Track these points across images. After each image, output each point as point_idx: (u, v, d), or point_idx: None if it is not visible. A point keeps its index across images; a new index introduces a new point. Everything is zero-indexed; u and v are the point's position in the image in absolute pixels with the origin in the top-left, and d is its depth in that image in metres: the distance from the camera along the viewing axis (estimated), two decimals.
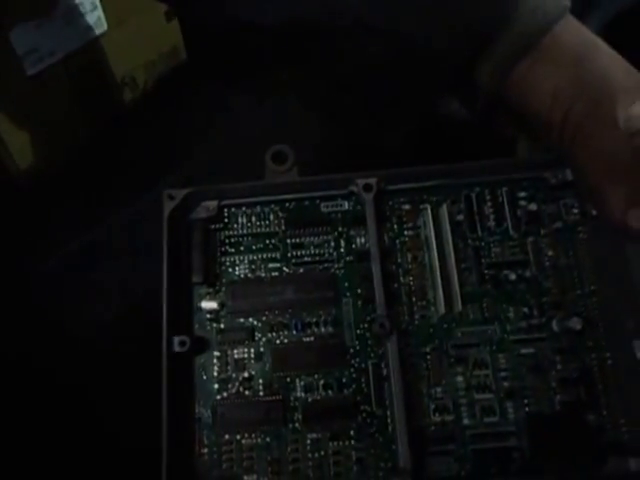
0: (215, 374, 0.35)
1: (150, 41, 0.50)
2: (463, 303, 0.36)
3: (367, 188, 0.37)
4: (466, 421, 0.34)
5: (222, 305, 0.36)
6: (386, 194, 0.37)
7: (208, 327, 0.36)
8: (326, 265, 0.37)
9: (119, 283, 0.42)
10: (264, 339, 0.36)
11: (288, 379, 0.35)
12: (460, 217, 0.37)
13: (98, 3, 0.47)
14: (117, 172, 0.46)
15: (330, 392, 0.35)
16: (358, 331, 0.36)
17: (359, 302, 0.36)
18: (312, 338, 0.36)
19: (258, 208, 0.38)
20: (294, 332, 0.36)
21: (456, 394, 0.35)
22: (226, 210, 0.38)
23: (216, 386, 0.35)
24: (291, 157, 0.38)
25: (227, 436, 0.34)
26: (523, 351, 0.35)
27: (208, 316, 0.36)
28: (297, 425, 0.34)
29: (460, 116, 0.40)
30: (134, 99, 0.50)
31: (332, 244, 0.37)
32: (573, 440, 0.34)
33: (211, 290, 0.37)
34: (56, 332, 0.41)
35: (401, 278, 0.36)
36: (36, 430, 0.41)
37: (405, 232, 0.37)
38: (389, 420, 0.34)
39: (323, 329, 0.36)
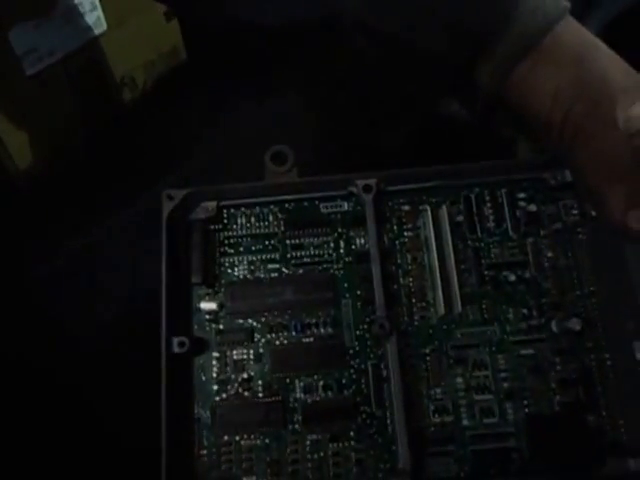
0: (214, 375, 0.35)
1: (150, 41, 0.50)
2: (463, 304, 0.36)
3: (367, 189, 0.37)
4: (465, 422, 0.34)
5: (221, 306, 0.36)
6: (386, 195, 0.37)
7: (207, 328, 0.36)
8: (325, 266, 0.37)
9: (118, 283, 0.42)
10: (263, 340, 0.36)
11: (287, 380, 0.35)
12: (459, 218, 0.37)
13: (97, 3, 0.47)
14: (116, 172, 0.46)
15: (330, 393, 0.35)
16: (357, 332, 0.36)
17: (358, 303, 0.36)
18: (311, 339, 0.36)
19: (257, 209, 0.38)
20: (293, 333, 0.36)
21: (455, 395, 0.35)
22: (225, 211, 0.38)
23: (215, 387, 0.35)
24: (291, 158, 0.38)
25: (226, 437, 0.34)
26: (522, 352, 0.35)
27: (207, 317, 0.36)
28: (297, 426, 0.34)
29: (460, 117, 0.40)
30: (133, 99, 0.50)
31: (331, 245, 0.37)
32: (572, 441, 0.34)
33: (210, 291, 0.37)
34: (55, 332, 0.41)
35: (401, 279, 0.36)
36: (35, 430, 0.41)
37: (405, 233, 0.37)
38: (389, 421, 0.34)
39: (322, 330, 0.36)
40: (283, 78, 0.44)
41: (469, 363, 0.35)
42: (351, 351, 0.35)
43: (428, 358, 0.35)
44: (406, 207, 0.37)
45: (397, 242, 0.37)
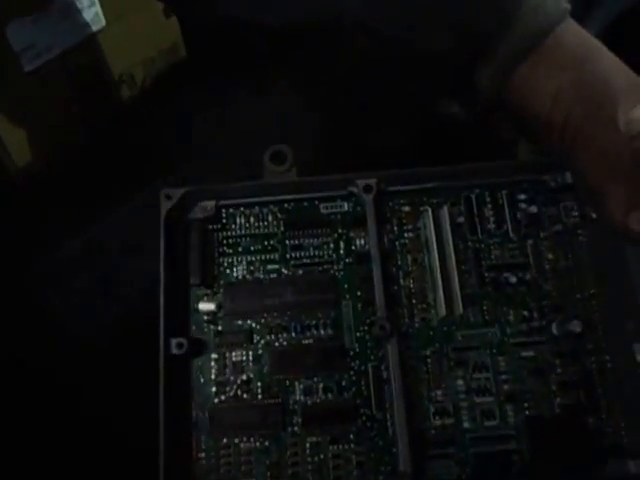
0: (213, 377, 0.35)
1: (149, 38, 0.49)
2: (463, 306, 0.35)
3: (367, 189, 0.36)
4: (466, 424, 0.34)
5: (220, 307, 0.36)
6: (386, 195, 0.37)
7: (205, 329, 0.36)
8: (325, 267, 0.37)
9: (117, 283, 0.42)
10: (262, 341, 0.35)
11: (287, 382, 0.35)
12: (460, 219, 0.37)
13: None
14: (115, 171, 0.46)
15: (330, 395, 0.35)
16: (358, 334, 0.35)
17: (359, 304, 0.36)
18: (311, 340, 0.35)
19: (256, 209, 0.38)
20: (293, 334, 0.35)
21: (456, 397, 0.34)
22: (224, 210, 0.37)
23: (214, 389, 0.35)
24: (290, 157, 0.37)
25: (225, 440, 0.34)
26: (523, 354, 0.35)
27: (205, 318, 0.36)
28: (296, 429, 0.34)
29: (460, 117, 0.39)
30: (132, 97, 0.49)
31: (331, 246, 0.37)
32: (573, 443, 0.34)
33: (209, 292, 0.36)
34: (54, 332, 0.40)
35: (401, 280, 0.36)
36: (33, 430, 0.40)
37: (405, 234, 0.37)
38: (389, 423, 0.34)
39: (322, 331, 0.36)
40: (283, 77, 0.44)
41: (470, 365, 0.35)
42: (351, 353, 0.35)
43: (429, 360, 0.35)
44: (406, 208, 0.37)
45: (397, 243, 0.37)
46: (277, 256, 0.37)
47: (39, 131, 0.47)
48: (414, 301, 0.36)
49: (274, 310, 0.36)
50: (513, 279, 0.36)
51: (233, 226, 0.37)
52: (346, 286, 0.36)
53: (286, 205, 0.38)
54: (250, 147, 0.37)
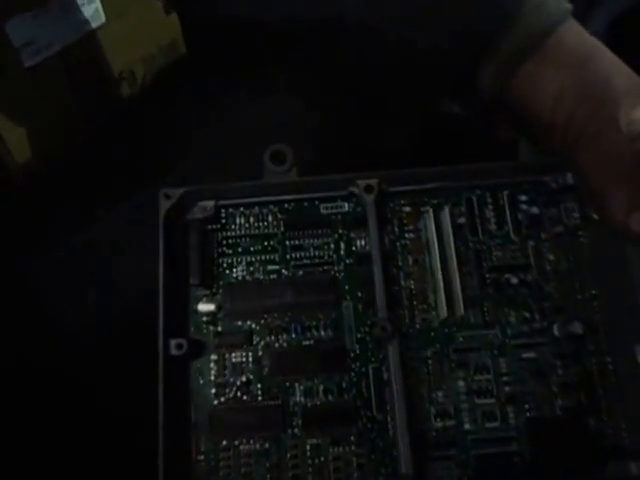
0: (212, 378, 0.34)
1: (149, 34, 0.49)
2: (464, 307, 0.35)
3: (368, 189, 0.36)
4: (467, 426, 0.34)
5: (219, 308, 0.36)
6: (387, 196, 0.37)
7: (205, 330, 0.35)
8: (326, 268, 0.36)
9: (117, 282, 0.41)
10: (262, 343, 0.35)
11: (287, 384, 0.34)
12: (461, 220, 0.37)
13: None
14: (114, 169, 0.45)
15: (330, 397, 0.34)
16: (358, 335, 0.35)
17: (359, 305, 0.36)
18: (312, 342, 0.35)
19: (256, 209, 0.37)
20: (293, 335, 0.35)
21: (457, 399, 0.34)
22: (223, 210, 0.37)
23: (213, 391, 0.34)
24: (290, 157, 0.37)
25: (225, 442, 0.33)
26: (524, 355, 0.35)
27: (205, 319, 0.35)
28: (296, 430, 0.34)
29: (461, 117, 0.39)
30: (133, 94, 0.49)
31: (332, 246, 0.37)
32: (574, 444, 0.34)
33: (208, 292, 0.36)
34: (53, 330, 0.40)
35: (402, 281, 0.36)
36: (32, 429, 0.40)
37: (406, 235, 0.37)
38: (390, 425, 0.34)
39: (323, 333, 0.35)
40: (283, 77, 0.43)
41: (471, 367, 0.35)
42: (352, 354, 0.35)
43: (430, 361, 0.35)
44: (407, 208, 0.37)
45: (398, 244, 0.37)
46: (277, 257, 0.37)
47: (39, 128, 0.46)
48: (415, 302, 0.36)
49: (274, 311, 0.35)
50: (514, 280, 0.36)
51: (233, 226, 0.37)
52: (347, 287, 0.36)
53: (286, 205, 0.37)
54: (250, 147, 0.37)
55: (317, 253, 0.37)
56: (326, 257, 0.36)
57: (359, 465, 0.33)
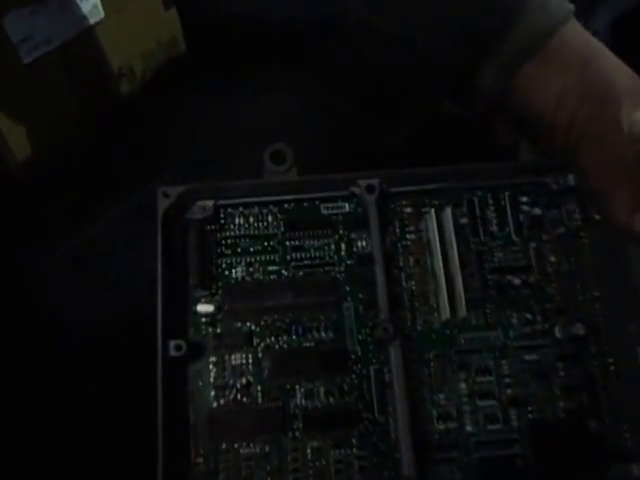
0: (212, 380, 0.34)
1: (148, 30, 0.48)
2: (466, 309, 0.35)
3: (370, 189, 0.36)
4: (469, 428, 0.34)
5: (219, 309, 0.35)
6: (388, 197, 0.37)
7: (204, 331, 0.35)
8: (326, 269, 0.36)
9: (116, 281, 0.41)
10: (262, 344, 0.35)
11: (288, 386, 0.34)
12: (463, 221, 0.37)
13: None
14: (114, 166, 0.45)
15: (331, 399, 0.34)
16: (360, 336, 0.35)
17: (360, 307, 0.35)
18: (312, 343, 0.35)
19: (256, 209, 0.37)
20: (294, 337, 0.35)
21: (459, 401, 0.34)
22: (222, 210, 0.37)
23: (213, 393, 0.34)
24: (290, 157, 0.36)
25: (224, 445, 0.33)
26: (526, 357, 0.35)
27: (204, 320, 0.35)
28: (297, 433, 0.33)
29: (462, 117, 0.39)
30: (132, 91, 0.49)
31: (332, 247, 0.36)
32: (576, 447, 0.34)
33: (207, 293, 0.35)
34: (53, 329, 0.40)
35: (403, 283, 0.36)
36: (32, 429, 0.39)
37: (407, 236, 0.37)
38: (392, 427, 0.33)
39: (324, 334, 0.35)
40: (283, 76, 0.43)
41: (472, 369, 0.34)
42: (353, 356, 0.34)
43: (431, 363, 0.34)
44: (408, 209, 0.37)
45: (399, 245, 0.36)
46: (277, 257, 0.36)
47: (38, 124, 0.46)
48: (416, 304, 0.35)
49: (274, 312, 0.35)
50: (516, 282, 0.36)
51: (232, 226, 0.37)
52: (347, 288, 0.36)
53: (286, 205, 0.37)
54: (250, 146, 0.36)
55: (318, 254, 0.36)
56: (327, 258, 0.36)
57: (361, 468, 0.33)
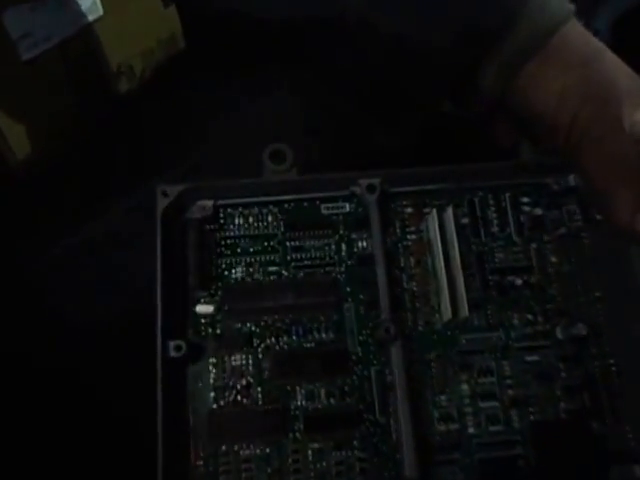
0: (211, 381, 0.33)
1: (147, 28, 0.48)
2: (468, 309, 0.35)
3: (370, 189, 0.36)
4: (471, 430, 0.33)
5: (218, 309, 0.35)
6: (389, 196, 0.36)
7: (203, 332, 0.34)
8: (327, 269, 0.36)
9: (116, 280, 0.41)
10: (263, 345, 0.34)
11: (288, 387, 0.34)
12: (464, 221, 0.36)
13: None
14: (114, 165, 0.45)
15: (332, 400, 0.34)
16: (360, 337, 0.34)
17: (361, 307, 0.35)
18: (313, 344, 0.34)
19: (256, 209, 0.37)
20: (294, 338, 0.34)
21: (461, 402, 0.34)
22: (222, 210, 0.36)
23: (212, 394, 0.33)
24: (290, 157, 0.36)
25: (224, 447, 0.33)
26: (528, 358, 0.35)
27: (203, 321, 0.35)
28: (298, 435, 0.33)
29: (463, 117, 0.39)
30: (131, 89, 0.48)
31: (333, 247, 0.36)
32: (578, 448, 0.33)
33: (207, 294, 0.35)
34: (53, 328, 0.39)
35: (404, 283, 0.35)
36: (32, 429, 0.39)
37: (408, 236, 0.36)
38: (393, 429, 0.33)
39: (324, 335, 0.35)
40: (283, 75, 0.43)
41: (474, 369, 0.34)
42: (354, 357, 0.34)
43: (433, 364, 0.34)
44: (409, 209, 0.37)
45: (400, 245, 0.36)
46: (277, 258, 0.36)
47: (38, 122, 0.45)
48: (417, 304, 0.35)
49: (274, 313, 0.35)
50: (517, 282, 0.36)
51: (231, 227, 0.36)
52: (348, 289, 0.35)
53: (286, 205, 0.37)
54: (250, 146, 0.36)
55: (318, 254, 0.36)
56: (327, 258, 0.36)
57: (362, 469, 0.33)
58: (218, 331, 0.34)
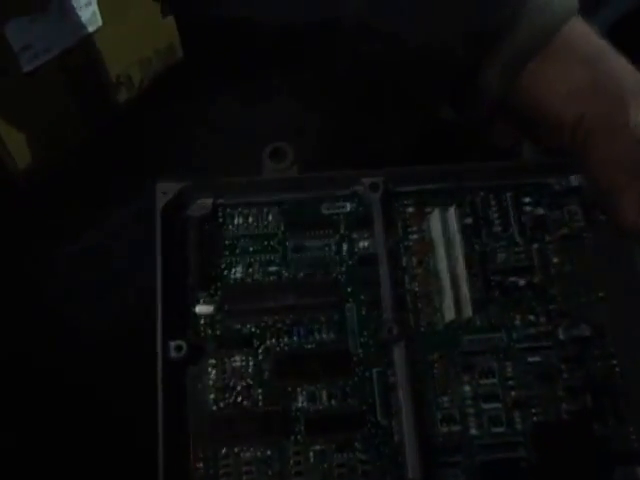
0: (211, 383, 0.33)
1: (145, 37, 0.48)
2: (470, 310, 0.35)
3: (373, 187, 0.35)
4: (473, 431, 0.33)
5: (218, 310, 0.34)
6: (391, 196, 0.36)
7: (203, 333, 0.34)
8: (328, 269, 0.35)
9: (117, 284, 0.41)
10: (263, 346, 0.34)
11: (289, 388, 0.33)
12: (466, 221, 0.36)
13: None
14: (113, 173, 0.45)
15: (334, 402, 0.33)
16: (362, 338, 0.34)
17: (363, 308, 0.35)
18: (314, 345, 0.34)
19: (255, 208, 0.36)
20: (295, 339, 0.34)
21: (463, 403, 0.34)
22: (221, 210, 0.36)
23: (212, 396, 0.33)
24: (290, 155, 0.36)
25: (224, 449, 0.32)
26: (530, 359, 0.34)
27: (202, 321, 0.34)
28: (299, 437, 0.32)
29: (459, 124, 0.39)
30: (130, 99, 0.48)
31: (334, 247, 0.36)
32: (581, 449, 0.33)
33: (206, 294, 0.34)
34: (52, 329, 0.39)
35: (406, 283, 0.35)
36: (32, 429, 0.39)
37: (410, 236, 0.36)
38: (395, 430, 0.33)
39: (325, 336, 0.34)
40: (283, 79, 0.43)
41: (476, 371, 0.34)
42: (355, 358, 0.34)
43: (435, 365, 0.34)
44: (411, 209, 0.36)
45: (402, 245, 0.36)
46: (277, 258, 0.35)
47: (39, 132, 0.46)
48: (419, 305, 0.35)
49: (275, 313, 0.34)
50: (519, 283, 0.35)
51: (230, 226, 0.36)
52: (349, 289, 0.35)
53: (286, 205, 0.36)
54: (250, 152, 0.36)
55: (319, 254, 0.36)
56: (328, 258, 0.35)
57: (364, 472, 0.32)
58: (218, 332, 0.34)
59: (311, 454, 0.32)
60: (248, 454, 0.32)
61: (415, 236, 0.36)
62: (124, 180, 0.42)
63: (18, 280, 0.41)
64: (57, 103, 0.46)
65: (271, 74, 0.43)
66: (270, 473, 0.32)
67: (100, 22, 0.45)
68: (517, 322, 0.35)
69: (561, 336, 0.35)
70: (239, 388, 0.33)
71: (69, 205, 0.43)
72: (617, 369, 0.34)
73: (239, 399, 0.33)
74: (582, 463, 0.33)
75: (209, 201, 0.35)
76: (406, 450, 0.32)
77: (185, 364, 0.33)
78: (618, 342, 0.34)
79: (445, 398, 0.34)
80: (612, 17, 0.44)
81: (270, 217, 0.36)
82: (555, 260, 0.36)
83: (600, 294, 0.35)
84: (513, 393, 0.34)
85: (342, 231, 0.36)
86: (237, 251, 0.35)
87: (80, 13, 0.43)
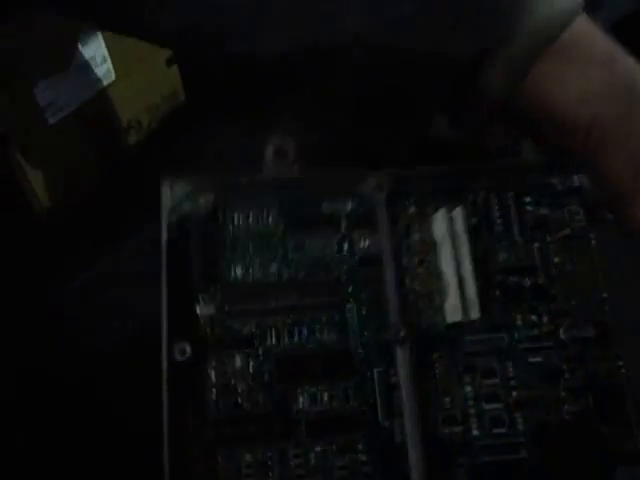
0: (212, 384, 0.33)
1: (153, 86, 0.54)
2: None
3: (378, 187, 0.35)
4: (475, 432, 0.33)
5: (218, 310, 0.34)
6: (394, 196, 0.36)
7: (204, 334, 0.33)
8: (329, 269, 0.35)
9: (125, 308, 0.43)
10: (263, 347, 0.34)
11: (290, 389, 0.33)
12: (468, 221, 0.36)
13: (107, 55, 0.51)
14: (125, 209, 0.49)
15: (335, 403, 0.33)
16: (363, 339, 0.34)
17: (364, 308, 0.34)
18: (315, 346, 0.34)
19: (256, 208, 0.36)
20: (296, 339, 0.34)
21: (465, 404, 0.33)
22: (221, 209, 0.35)
23: (213, 397, 0.32)
24: (292, 152, 0.35)
25: (225, 452, 0.32)
26: (532, 360, 0.34)
27: (203, 322, 0.34)
28: (301, 438, 0.32)
29: (453, 140, 0.39)
30: (139, 140, 0.54)
31: (335, 247, 0.35)
32: (583, 450, 0.33)
33: (206, 294, 0.34)
34: (69, 346, 0.41)
35: (409, 283, 0.35)
36: (32, 429, 0.39)
37: (412, 236, 0.36)
38: (397, 432, 0.33)
39: (327, 336, 0.34)
40: (284, 107, 0.44)
41: (478, 371, 0.34)
42: (357, 358, 0.34)
43: (437, 365, 0.34)
44: (413, 209, 0.36)
45: (405, 245, 0.36)
46: (278, 257, 0.35)
47: (60, 175, 0.52)
48: (421, 305, 0.35)
49: (275, 314, 0.34)
50: (522, 283, 0.35)
51: (231, 226, 0.35)
52: (351, 289, 0.35)
53: (287, 204, 0.36)
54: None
55: (320, 253, 0.35)
56: (329, 258, 0.35)
57: (366, 473, 0.32)
58: (219, 332, 0.34)
59: (312, 455, 0.32)
60: (249, 456, 0.32)
61: (419, 236, 0.36)
62: (132, 215, 0.45)
63: (41, 305, 0.44)
64: (75, 149, 0.53)
65: (271, 101, 0.44)
66: (271, 475, 0.32)
67: (113, 76, 0.51)
68: (519, 322, 0.35)
69: (563, 336, 0.34)
70: (240, 389, 0.33)
71: (84, 238, 0.48)
72: (620, 370, 0.34)
73: (239, 400, 0.33)
74: (584, 464, 0.33)
75: (209, 201, 0.35)
76: (409, 451, 0.32)
77: (189, 366, 0.32)
78: (620, 342, 0.34)
79: (446, 399, 0.33)
80: (612, 17, 0.44)
81: (270, 216, 0.36)
82: (557, 260, 0.36)
83: (602, 294, 0.35)
84: (515, 394, 0.34)
85: (343, 230, 0.36)
86: (237, 250, 0.35)
87: (96, 70, 0.49)
